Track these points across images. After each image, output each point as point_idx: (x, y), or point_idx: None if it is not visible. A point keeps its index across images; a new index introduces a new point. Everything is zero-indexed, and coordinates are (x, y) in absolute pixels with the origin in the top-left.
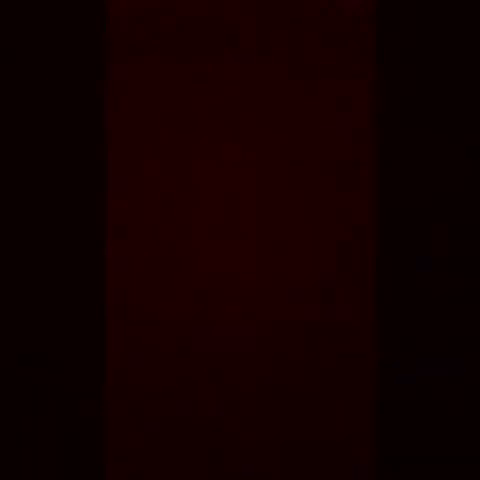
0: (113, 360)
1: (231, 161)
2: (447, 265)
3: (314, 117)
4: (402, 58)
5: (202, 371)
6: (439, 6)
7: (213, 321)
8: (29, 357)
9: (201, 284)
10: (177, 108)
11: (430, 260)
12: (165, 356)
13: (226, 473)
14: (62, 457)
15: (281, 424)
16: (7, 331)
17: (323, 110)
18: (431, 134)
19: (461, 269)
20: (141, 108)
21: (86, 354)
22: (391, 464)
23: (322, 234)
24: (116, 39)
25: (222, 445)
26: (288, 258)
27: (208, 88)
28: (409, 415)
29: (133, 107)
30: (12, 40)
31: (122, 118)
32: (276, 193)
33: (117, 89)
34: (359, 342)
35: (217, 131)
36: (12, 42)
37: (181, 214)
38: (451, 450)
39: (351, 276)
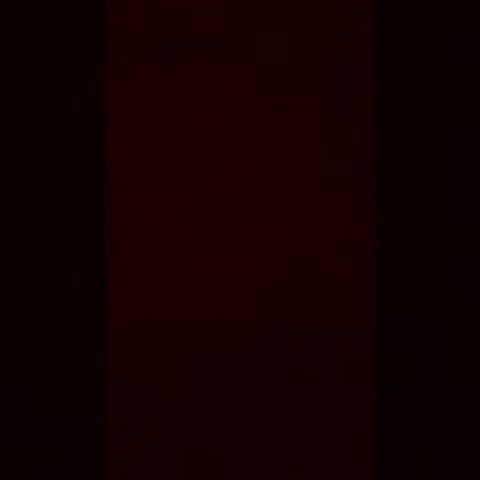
0: (113, 360)
1: (230, 159)
2: (448, 264)
3: (314, 115)
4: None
5: (202, 372)
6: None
7: (214, 321)
8: (28, 357)
9: (201, 284)
10: (177, 108)
11: (431, 260)
12: (165, 356)
13: (226, 474)
14: (62, 458)
15: (281, 424)
16: (4, 331)
17: (323, 111)
18: (432, 133)
19: (462, 268)
20: (141, 108)
21: (86, 354)
22: (392, 468)
23: (323, 232)
24: (116, 40)
25: (222, 446)
26: (289, 258)
27: (207, 88)
28: (410, 416)
29: (133, 107)
30: (10, 41)
31: (121, 118)
32: (277, 194)
33: (116, 89)
34: (359, 341)
35: (216, 129)
36: (10, 43)
37: (181, 213)
38: (453, 453)
39: (351, 272)
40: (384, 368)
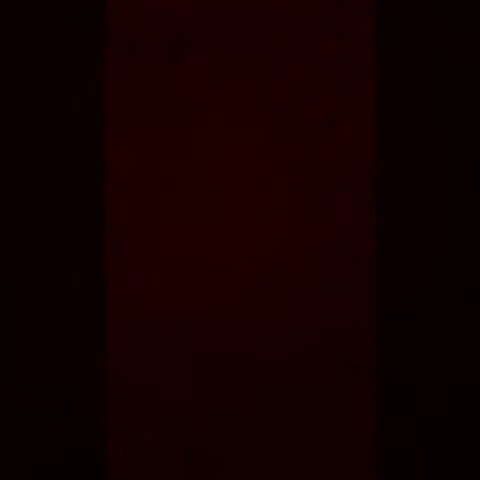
0: (113, 360)
1: (230, 159)
2: (448, 264)
3: (314, 115)
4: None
5: (202, 372)
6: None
7: (214, 321)
8: (28, 357)
9: (201, 284)
10: (177, 108)
11: (431, 260)
12: (165, 356)
13: (226, 474)
14: (62, 458)
15: (281, 424)
16: (4, 328)
17: (324, 111)
18: (433, 133)
19: (462, 268)
20: (141, 108)
21: (86, 354)
22: (392, 468)
23: (323, 232)
24: (116, 40)
25: (222, 446)
26: (289, 258)
27: (208, 88)
28: (410, 415)
29: (133, 107)
30: (10, 41)
31: (121, 118)
32: (276, 193)
33: (116, 89)
34: (359, 341)
35: (216, 129)
36: (10, 43)
37: (181, 213)
38: (453, 452)
39: (351, 272)
40: (384, 368)
